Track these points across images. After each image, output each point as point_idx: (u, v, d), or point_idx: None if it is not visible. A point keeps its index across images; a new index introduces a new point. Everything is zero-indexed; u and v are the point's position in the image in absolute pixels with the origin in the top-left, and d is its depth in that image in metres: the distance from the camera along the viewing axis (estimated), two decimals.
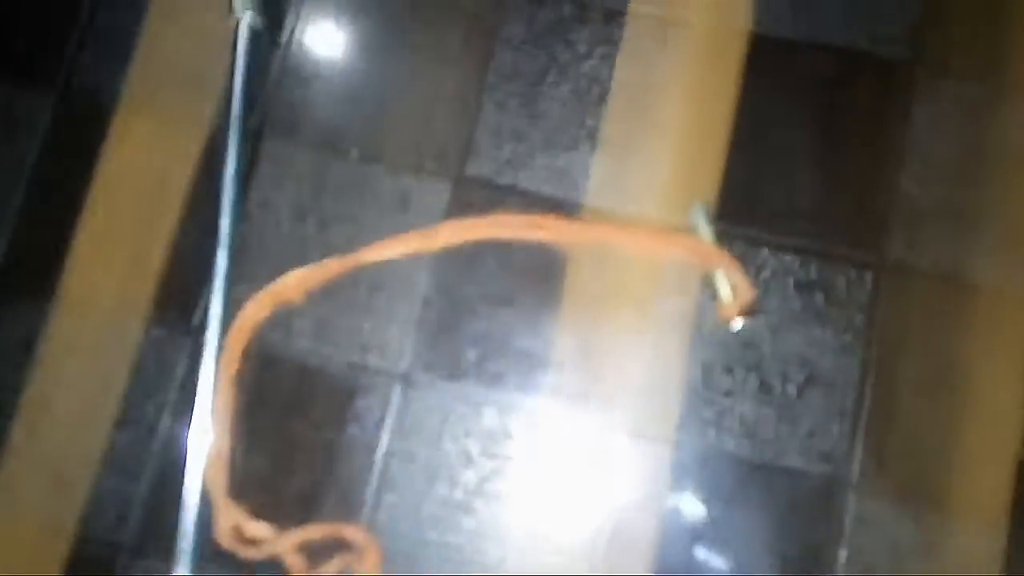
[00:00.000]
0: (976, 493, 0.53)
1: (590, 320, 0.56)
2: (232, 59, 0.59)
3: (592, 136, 0.59)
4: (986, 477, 0.53)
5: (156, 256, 0.58)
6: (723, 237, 0.56)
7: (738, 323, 0.55)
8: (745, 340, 0.55)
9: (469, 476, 0.54)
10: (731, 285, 0.55)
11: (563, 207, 0.58)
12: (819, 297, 0.56)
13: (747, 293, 0.55)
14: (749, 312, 0.55)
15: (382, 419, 0.55)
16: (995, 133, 0.57)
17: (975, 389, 0.54)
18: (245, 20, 0.60)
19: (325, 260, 0.56)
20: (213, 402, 0.54)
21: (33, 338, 0.57)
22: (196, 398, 0.54)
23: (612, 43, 0.60)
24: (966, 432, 0.54)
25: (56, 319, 0.57)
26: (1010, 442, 0.53)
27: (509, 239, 0.57)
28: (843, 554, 0.52)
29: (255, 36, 0.60)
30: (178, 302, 0.57)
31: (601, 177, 0.58)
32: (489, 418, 0.55)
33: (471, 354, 0.56)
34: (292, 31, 0.61)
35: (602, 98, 0.59)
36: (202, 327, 0.55)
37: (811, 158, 0.58)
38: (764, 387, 0.54)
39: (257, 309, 0.55)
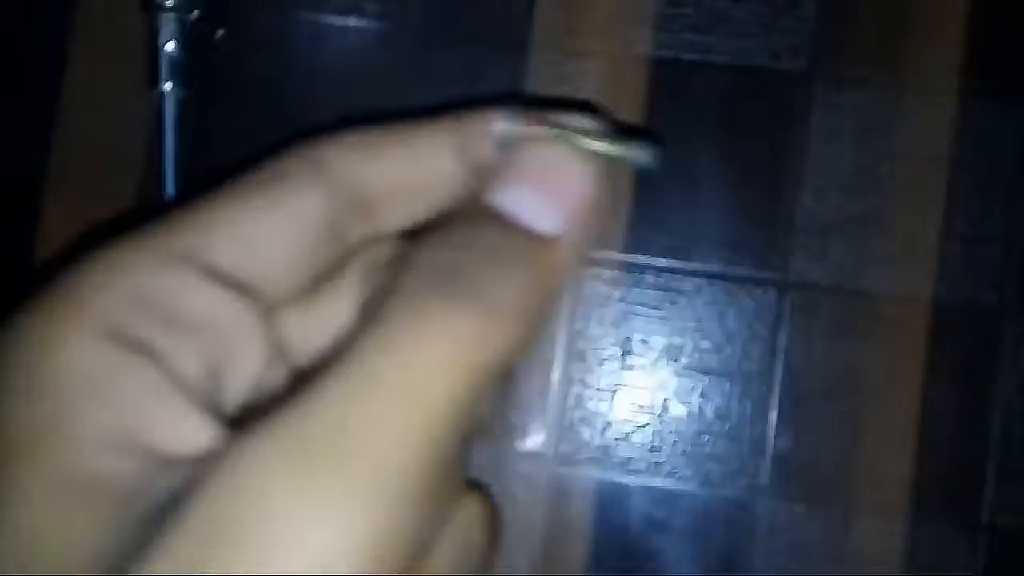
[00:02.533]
0: (877, 491, 0.57)
1: None
2: (158, 131, 0.62)
3: None
4: (887, 475, 0.57)
5: None
6: (632, 269, 0.60)
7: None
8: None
9: None
10: None
11: None
12: (730, 317, 0.59)
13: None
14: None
15: None
16: (888, 141, 0.60)
17: (875, 392, 0.58)
18: (169, 91, 0.63)
19: None
20: None
21: None
22: None
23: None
24: (867, 433, 0.58)
25: None
26: (908, 440, 0.57)
27: None
28: (758, 558, 0.57)
29: (179, 105, 0.63)
30: None
31: None
32: None
33: None
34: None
35: None
36: None
37: (713, 181, 0.60)
38: (685, 406, 0.59)
39: None
